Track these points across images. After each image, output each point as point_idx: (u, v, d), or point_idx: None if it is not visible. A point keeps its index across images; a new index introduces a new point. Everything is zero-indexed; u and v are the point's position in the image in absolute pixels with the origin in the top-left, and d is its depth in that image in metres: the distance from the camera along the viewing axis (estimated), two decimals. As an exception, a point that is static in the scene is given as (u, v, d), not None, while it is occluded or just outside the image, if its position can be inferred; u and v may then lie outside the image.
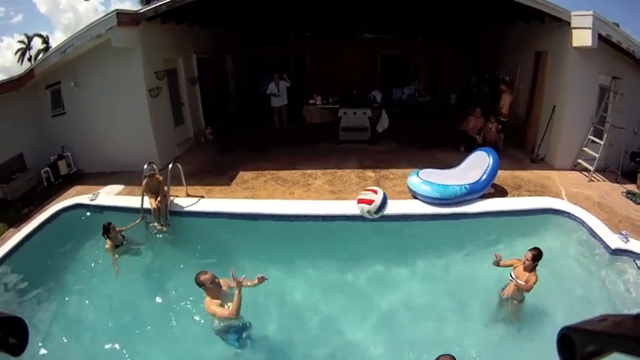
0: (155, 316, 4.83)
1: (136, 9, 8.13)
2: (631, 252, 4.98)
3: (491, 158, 6.43)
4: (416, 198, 6.28)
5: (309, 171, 7.72)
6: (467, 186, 6.04)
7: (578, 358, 0.62)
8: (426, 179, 6.18)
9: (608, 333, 0.60)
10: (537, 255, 4.25)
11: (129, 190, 7.20)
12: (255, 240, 5.82)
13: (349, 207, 6.08)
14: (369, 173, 7.62)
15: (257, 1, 9.40)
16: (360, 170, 7.77)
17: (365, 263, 5.48)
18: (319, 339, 4.51)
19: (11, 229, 6.42)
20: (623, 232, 5.22)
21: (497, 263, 4.50)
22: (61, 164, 8.24)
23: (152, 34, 7.96)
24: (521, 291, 4.34)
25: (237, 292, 3.66)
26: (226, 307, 3.75)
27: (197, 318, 4.56)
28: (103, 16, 7.17)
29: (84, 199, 6.80)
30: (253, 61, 13.60)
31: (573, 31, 7.18)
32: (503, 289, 4.54)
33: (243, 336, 4.12)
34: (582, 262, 5.33)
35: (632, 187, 6.98)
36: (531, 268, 4.25)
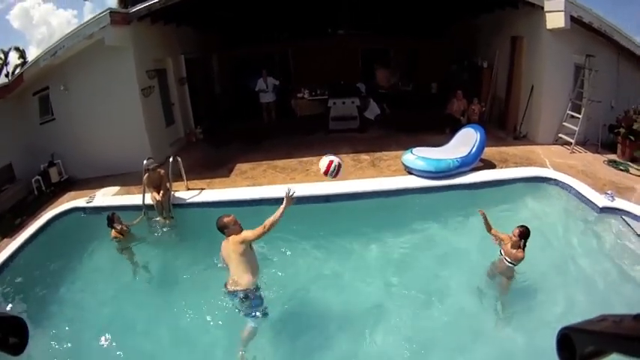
0: (164, 310, 4.78)
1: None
2: (617, 209, 5.34)
3: (478, 134, 6.82)
4: (411, 174, 6.55)
5: (305, 158, 7.89)
6: (459, 159, 6.37)
7: (578, 358, 0.63)
8: (420, 155, 6.48)
9: (608, 333, 0.61)
10: (524, 232, 4.18)
11: (125, 191, 7.18)
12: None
13: (351, 186, 6.33)
14: (364, 156, 7.86)
15: (242, 3, 9.62)
16: (354, 155, 7.99)
17: (366, 237, 5.63)
18: (325, 314, 4.59)
19: (5, 240, 6.31)
20: (609, 192, 5.56)
21: (488, 229, 4.47)
22: (52, 172, 8.10)
23: (142, 33, 8.04)
24: (510, 268, 4.31)
25: (284, 205, 3.83)
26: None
27: (206, 308, 4.53)
28: (96, 15, 7.23)
29: (80, 202, 6.75)
30: (238, 60, 13.73)
31: (547, 14, 7.62)
32: (493, 264, 4.56)
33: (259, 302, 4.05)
34: (572, 222, 5.66)
35: (613, 157, 7.39)
36: (518, 245, 4.21)
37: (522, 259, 4.19)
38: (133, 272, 5.42)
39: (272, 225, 3.79)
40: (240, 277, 3.93)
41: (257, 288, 4.02)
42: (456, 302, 4.59)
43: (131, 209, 6.30)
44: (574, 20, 7.37)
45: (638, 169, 6.85)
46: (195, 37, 11.25)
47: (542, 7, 7.62)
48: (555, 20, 7.47)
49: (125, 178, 7.49)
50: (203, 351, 4.22)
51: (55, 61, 7.66)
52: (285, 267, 5.11)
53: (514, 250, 4.21)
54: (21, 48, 16.56)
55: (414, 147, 6.90)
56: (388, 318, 4.46)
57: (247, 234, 3.88)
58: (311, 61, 13.20)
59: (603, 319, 0.63)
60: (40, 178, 7.91)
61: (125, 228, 5.62)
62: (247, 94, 11.91)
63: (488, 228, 4.49)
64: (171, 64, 9.70)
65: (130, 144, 8.06)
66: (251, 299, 3.95)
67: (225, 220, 3.98)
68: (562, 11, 7.29)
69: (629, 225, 5.15)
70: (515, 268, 4.29)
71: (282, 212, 3.82)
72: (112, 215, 5.53)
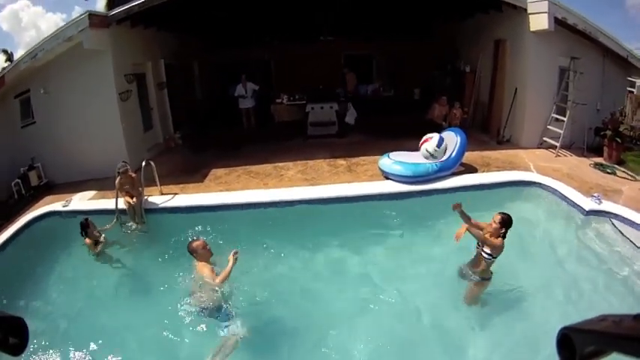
0: (137, 315, 4.72)
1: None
2: (605, 212, 5.18)
3: (458, 137, 6.63)
4: (388, 179, 6.38)
5: (281, 164, 7.77)
6: (438, 163, 6.19)
7: (578, 358, 0.62)
8: (397, 159, 6.31)
9: (608, 333, 0.60)
10: (506, 219, 3.85)
11: (101, 195, 7.05)
12: (232, 230, 5.75)
13: (324, 191, 6.19)
14: (340, 161, 7.71)
15: (227, 4, 9.52)
16: (331, 159, 7.84)
17: (339, 243, 5.51)
18: (298, 318, 4.50)
19: (-17, 245, 6.23)
20: (596, 195, 5.42)
21: (467, 221, 4.05)
22: (32, 175, 8.00)
23: (121, 37, 7.96)
24: (487, 260, 3.96)
25: (230, 264, 3.91)
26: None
27: (179, 312, 4.40)
28: (75, 18, 7.16)
29: (57, 206, 6.64)
30: (219, 66, 13.67)
31: (530, 16, 7.51)
32: (466, 265, 4.28)
33: (228, 314, 4.09)
34: (558, 226, 5.53)
35: (599, 160, 7.25)
36: (498, 233, 3.87)
37: (501, 248, 3.87)
38: (106, 277, 5.38)
39: (224, 280, 3.93)
40: (200, 296, 4.10)
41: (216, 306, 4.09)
42: (433, 309, 4.47)
43: (106, 213, 6.19)
44: (558, 22, 7.27)
45: (625, 172, 6.73)
46: (177, 43, 11.15)
47: (526, 10, 7.51)
48: (539, 22, 7.37)
49: (103, 183, 7.35)
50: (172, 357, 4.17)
51: (36, 63, 7.54)
52: (256, 273, 5.01)
53: (493, 239, 3.86)
54: (9, 51, 16.48)
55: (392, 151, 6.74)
56: (361, 325, 4.36)
57: (206, 274, 3.98)
58: (293, 67, 13.11)
59: (603, 319, 0.63)
60: (19, 181, 7.80)
61: (98, 234, 5.53)
62: (228, 100, 11.80)
63: (467, 219, 4.08)
64: (151, 68, 9.62)
65: (108, 148, 7.93)
66: (210, 310, 4.07)
67: (194, 244, 4.15)
68: (546, 13, 7.18)
69: (616, 227, 5.03)
70: (493, 267, 4.03)
71: (230, 269, 3.94)
72: (85, 221, 5.45)
